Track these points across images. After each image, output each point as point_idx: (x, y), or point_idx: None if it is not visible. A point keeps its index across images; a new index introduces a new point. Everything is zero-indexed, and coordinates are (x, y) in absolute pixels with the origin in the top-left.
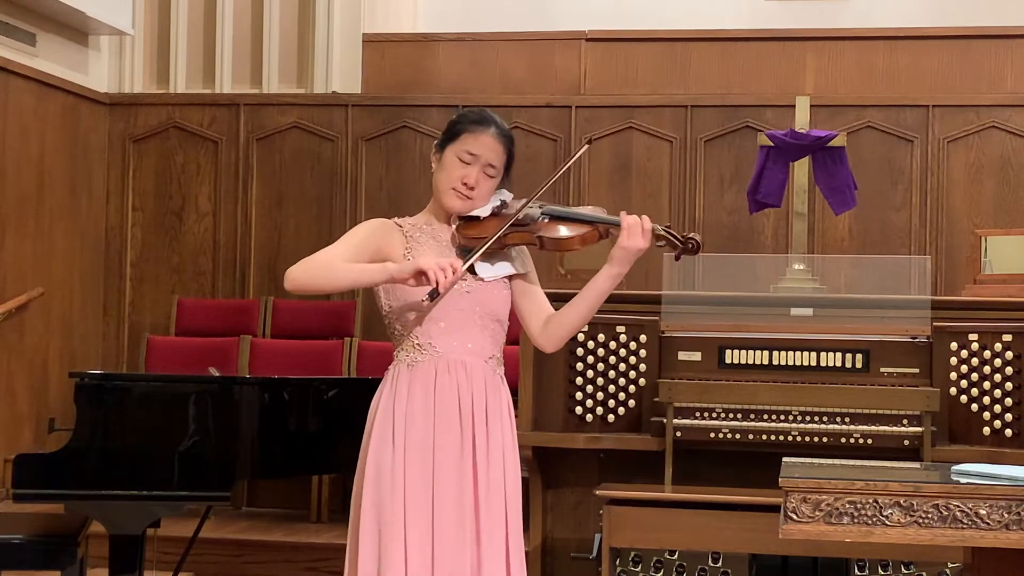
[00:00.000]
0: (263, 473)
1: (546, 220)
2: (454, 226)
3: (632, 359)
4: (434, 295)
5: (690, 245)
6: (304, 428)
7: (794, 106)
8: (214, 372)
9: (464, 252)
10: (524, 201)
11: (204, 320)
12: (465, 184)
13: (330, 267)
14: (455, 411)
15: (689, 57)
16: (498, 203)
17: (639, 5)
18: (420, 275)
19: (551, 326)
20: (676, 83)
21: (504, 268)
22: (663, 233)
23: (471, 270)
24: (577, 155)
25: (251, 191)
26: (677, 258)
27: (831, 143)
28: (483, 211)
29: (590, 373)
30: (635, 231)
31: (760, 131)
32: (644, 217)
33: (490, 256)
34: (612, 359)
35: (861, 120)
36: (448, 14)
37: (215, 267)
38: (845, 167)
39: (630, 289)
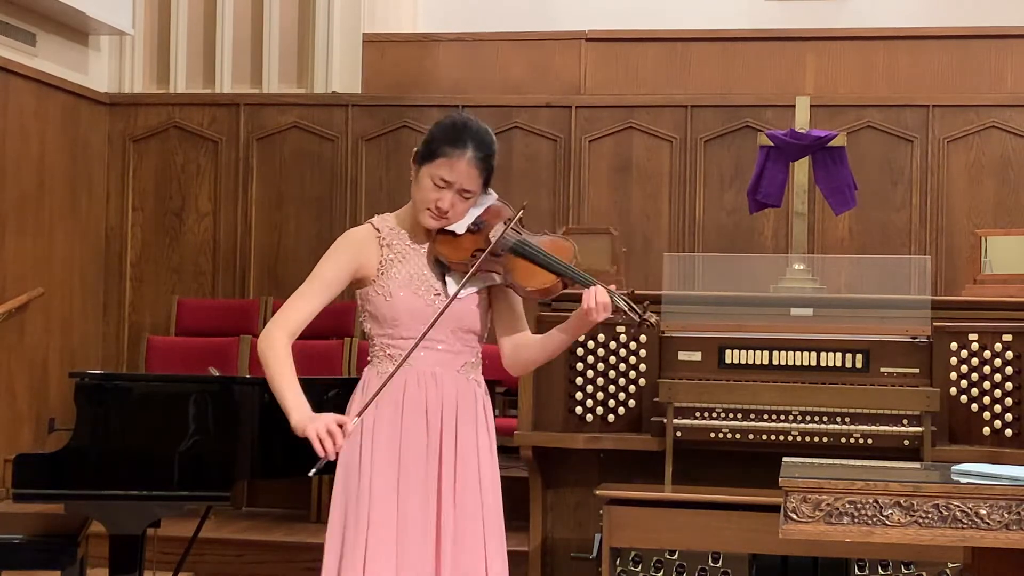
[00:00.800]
0: (263, 473)
1: (515, 256)
2: (431, 239)
3: (632, 359)
4: (322, 465)
5: (645, 324)
6: None
7: (794, 106)
8: (214, 372)
9: (439, 265)
10: (499, 233)
11: (204, 320)
12: (438, 208)
13: (272, 368)
14: (422, 422)
15: (689, 57)
16: (474, 218)
17: (639, 5)
18: (319, 441)
19: (520, 358)
20: (676, 83)
21: (475, 287)
22: (623, 306)
23: (443, 285)
24: (517, 216)
25: (251, 191)
26: (635, 336)
27: (831, 143)
28: (459, 227)
29: (590, 373)
30: (598, 306)
31: (760, 131)
32: (603, 290)
33: (458, 274)
34: (612, 359)
35: (861, 120)
36: (448, 14)
37: (215, 267)
38: (845, 167)
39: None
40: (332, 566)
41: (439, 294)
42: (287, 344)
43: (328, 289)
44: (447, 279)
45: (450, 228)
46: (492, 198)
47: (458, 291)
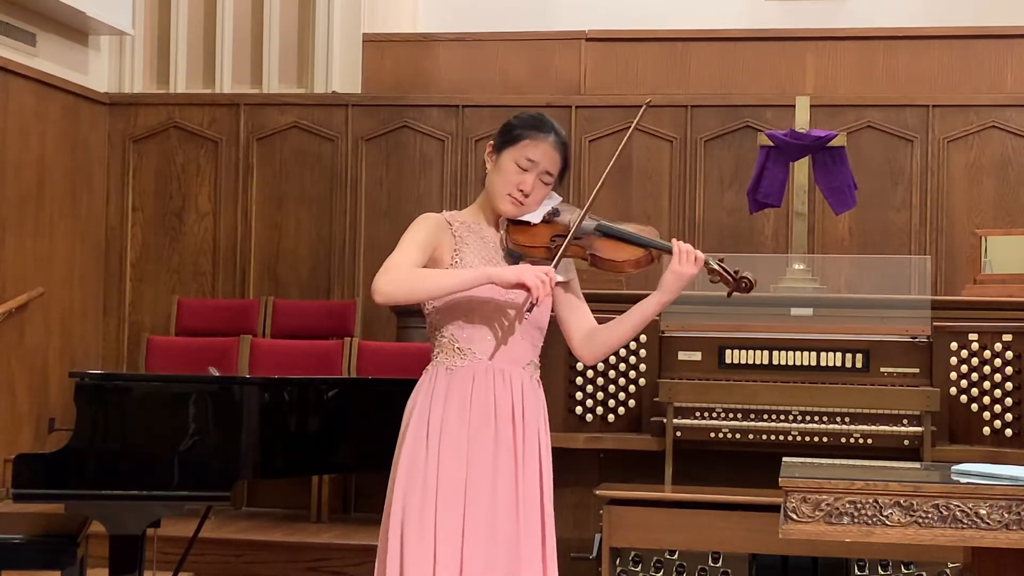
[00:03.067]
0: (263, 473)
1: (599, 236)
2: (503, 229)
3: (632, 359)
4: (531, 308)
5: (743, 284)
6: (304, 428)
7: (794, 106)
8: (214, 372)
9: (512, 256)
10: (579, 213)
11: (204, 320)
12: (521, 191)
13: (418, 279)
14: (491, 418)
15: (689, 57)
16: (549, 209)
17: (639, 5)
18: (520, 286)
19: (595, 343)
20: (676, 83)
21: (560, 275)
22: (716, 267)
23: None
24: (638, 117)
25: (251, 191)
26: (729, 295)
27: (831, 143)
28: (534, 217)
29: (590, 373)
30: (687, 257)
31: (760, 131)
32: (691, 247)
33: (537, 263)
34: (612, 359)
35: (861, 120)
36: (448, 14)
37: (215, 267)
38: (845, 167)
39: (630, 289)
40: (394, 568)
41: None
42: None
43: (422, 251)
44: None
45: (524, 218)
46: (557, 199)
47: (568, 240)
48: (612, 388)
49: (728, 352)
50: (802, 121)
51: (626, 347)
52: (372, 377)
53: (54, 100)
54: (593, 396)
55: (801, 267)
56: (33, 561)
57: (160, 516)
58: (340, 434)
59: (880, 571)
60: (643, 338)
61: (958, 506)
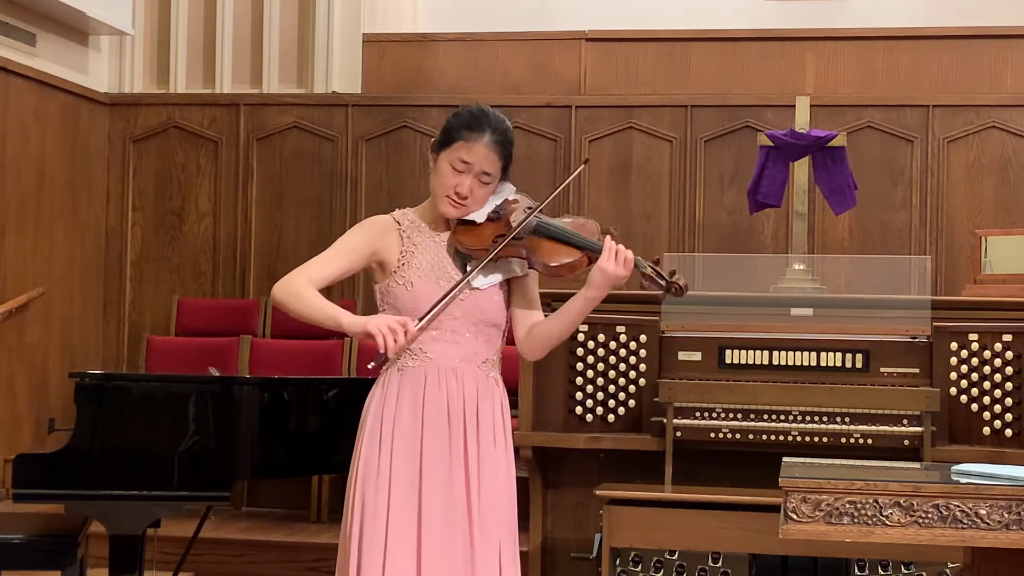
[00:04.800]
0: (263, 473)
1: (538, 237)
2: (452, 229)
3: (632, 359)
4: (382, 359)
5: (674, 288)
6: (304, 428)
7: (794, 106)
8: (214, 372)
9: (459, 257)
10: (522, 218)
11: (204, 320)
12: (457, 193)
13: (298, 297)
14: (444, 417)
15: (689, 57)
16: (493, 207)
17: (639, 5)
18: (367, 336)
19: (531, 339)
20: (676, 83)
21: (498, 276)
22: (648, 271)
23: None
24: (574, 173)
25: (251, 191)
26: (661, 299)
27: (831, 143)
28: (479, 216)
29: (590, 373)
30: (615, 256)
31: (760, 131)
32: (627, 249)
33: (487, 264)
34: (612, 359)
35: (861, 120)
36: (448, 14)
37: (215, 267)
38: (845, 167)
39: (630, 289)
40: (350, 566)
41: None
42: (311, 286)
43: (347, 255)
44: (468, 268)
45: (470, 217)
46: (510, 190)
47: (478, 268)
48: (612, 388)
49: (728, 352)
50: (802, 121)
51: (626, 347)
52: (372, 377)
53: (54, 100)
54: (593, 396)
55: (801, 267)
56: (33, 561)
57: (160, 516)
58: (340, 434)
59: (880, 571)
60: (643, 338)
61: (958, 506)
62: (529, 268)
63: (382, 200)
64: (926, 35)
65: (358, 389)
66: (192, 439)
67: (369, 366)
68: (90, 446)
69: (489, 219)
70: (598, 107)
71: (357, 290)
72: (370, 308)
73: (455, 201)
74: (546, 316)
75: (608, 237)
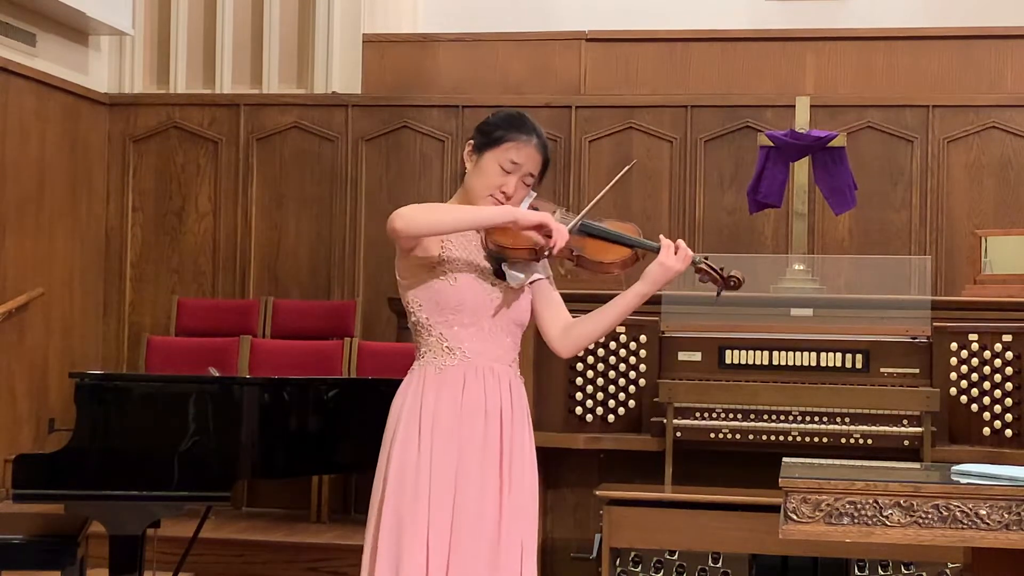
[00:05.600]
0: (263, 473)
1: (584, 236)
2: (482, 230)
3: (632, 359)
4: (548, 253)
5: (732, 282)
6: (304, 428)
7: (794, 106)
8: (214, 372)
9: (492, 258)
10: (575, 219)
11: (204, 320)
12: (503, 193)
13: (447, 208)
14: (481, 417)
15: (689, 57)
16: (526, 207)
17: (639, 5)
18: (541, 228)
19: (572, 335)
20: (676, 83)
21: (531, 277)
22: (704, 267)
23: (501, 277)
24: (624, 170)
25: (251, 191)
26: (718, 294)
27: (831, 143)
28: None
29: (590, 373)
30: (674, 251)
31: (760, 131)
32: (681, 242)
33: (519, 263)
34: (612, 359)
35: (861, 120)
36: (448, 14)
37: (215, 267)
38: (845, 167)
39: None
40: (388, 567)
41: (496, 284)
42: None
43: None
44: (504, 269)
45: None
46: (532, 195)
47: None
48: (612, 388)
49: (728, 352)
50: (802, 121)
51: (626, 347)
52: (372, 377)
53: (54, 100)
54: (593, 396)
55: (801, 267)
56: (33, 561)
57: (160, 516)
58: (340, 434)
59: (880, 571)
60: (643, 338)
61: (958, 506)
62: (576, 267)
63: (382, 200)
64: (926, 35)
65: (358, 389)
66: (192, 439)
67: (563, 271)
68: (90, 446)
69: None
70: (598, 107)
71: (357, 290)
72: (369, 309)
73: (499, 201)
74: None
75: (662, 235)
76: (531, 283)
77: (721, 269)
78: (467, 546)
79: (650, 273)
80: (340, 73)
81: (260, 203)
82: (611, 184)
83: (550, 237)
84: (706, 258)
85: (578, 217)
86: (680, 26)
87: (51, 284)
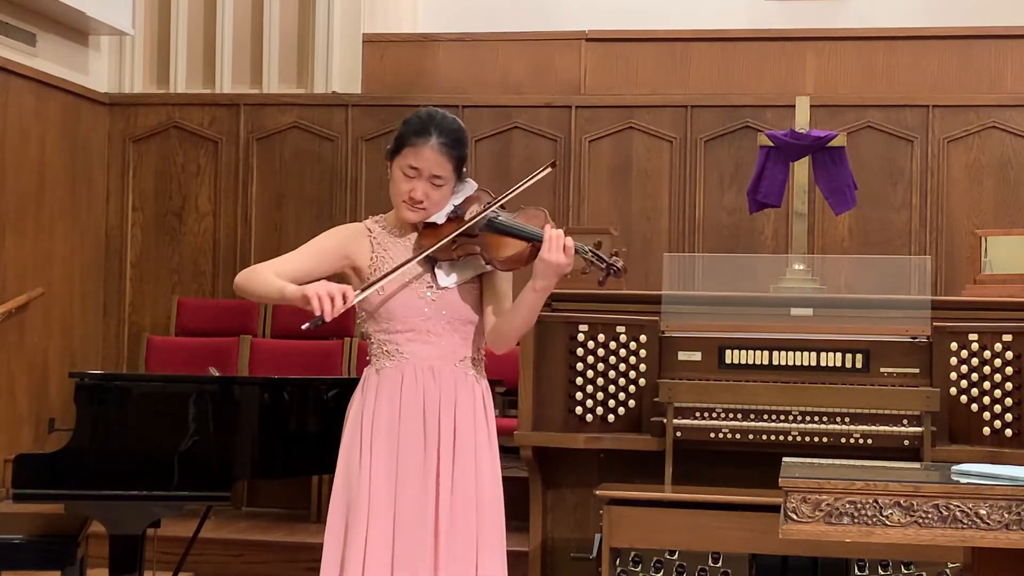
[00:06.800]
0: (263, 473)
1: (490, 232)
2: (418, 233)
3: (632, 359)
4: (317, 322)
5: (612, 270)
6: (304, 428)
7: (794, 106)
8: (214, 372)
9: (427, 259)
10: (472, 217)
11: (204, 320)
12: (412, 199)
13: (251, 278)
14: (419, 417)
15: (689, 57)
16: (452, 207)
17: (639, 5)
18: (306, 301)
19: (495, 334)
20: (676, 83)
21: (467, 274)
22: (589, 256)
23: (433, 277)
24: (539, 174)
25: (251, 191)
26: (601, 282)
27: (831, 143)
28: (439, 217)
29: (590, 373)
30: (554, 244)
31: (760, 131)
32: (566, 236)
33: (451, 263)
34: (612, 359)
35: (861, 120)
36: (448, 14)
37: (215, 267)
38: (845, 167)
39: (630, 289)
40: (334, 562)
41: (431, 286)
42: (271, 273)
43: (316, 256)
44: (436, 271)
45: (432, 220)
46: (472, 187)
47: (422, 253)
48: (612, 388)
49: (728, 352)
50: (802, 121)
51: (626, 347)
52: None
53: (54, 100)
54: (593, 396)
55: (801, 267)
56: (33, 561)
57: (160, 516)
58: (340, 434)
59: (880, 571)
60: (643, 338)
61: (958, 506)
62: (486, 264)
63: (382, 200)
64: (926, 35)
65: None
66: (192, 439)
67: (303, 327)
68: (90, 446)
69: (449, 219)
70: (598, 107)
71: None
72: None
73: (411, 206)
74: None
75: (548, 226)
76: (477, 280)
77: (611, 255)
78: (409, 541)
79: (536, 268)
80: (340, 73)
81: (260, 203)
82: (525, 183)
83: (322, 306)
84: (597, 245)
85: (481, 214)
86: (680, 26)
87: (51, 284)
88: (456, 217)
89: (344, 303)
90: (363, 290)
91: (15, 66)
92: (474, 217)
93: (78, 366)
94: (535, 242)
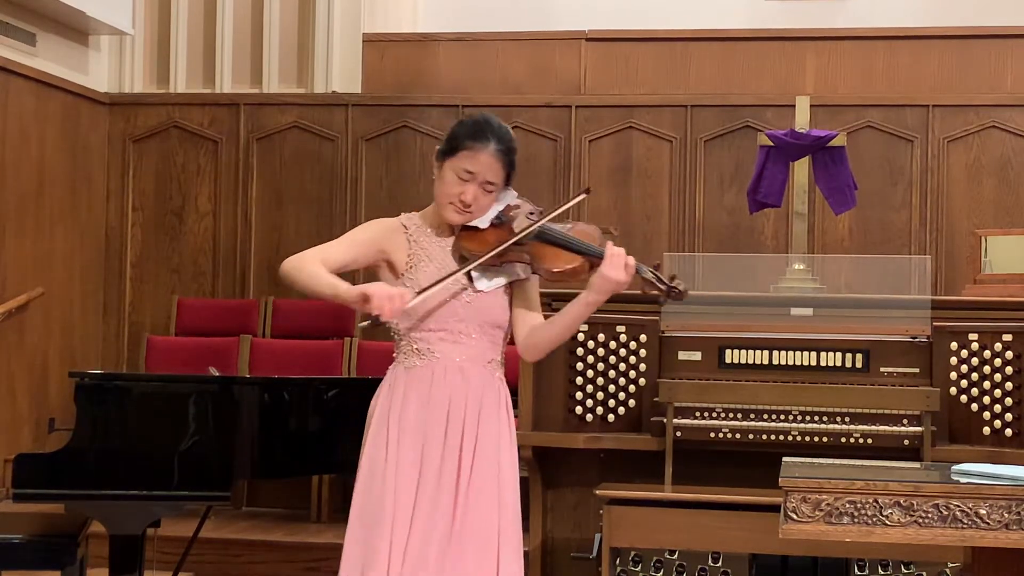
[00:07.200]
0: (263, 473)
1: (540, 243)
2: (455, 235)
3: (632, 359)
4: (376, 322)
5: (673, 293)
6: (304, 428)
7: (794, 106)
8: (214, 372)
9: (463, 261)
10: (526, 225)
11: (204, 320)
12: (462, 201)
13: (301, 268)
14: (445, 412)
15: (689, 57)
16: (496, 213)
17: (639, 5)
18: (365, 300)
19: (531, 340)
20: (676, 83)
21: (501, 280)
22: (649, 276)
23: (470, 279)
24: (575, 200)
25: (251, 191)
26: (661, 303)
27: (831, 143)
28: (482, 222)
29: (590, 373)
30: (617, 262)
31: (760, 131)
32: (627, 255)
33: (488, 269)
34: (612, 359)
35: (861, 120)
36: (448, 14)
37: (215, 267)
38: (845, 167)
39: (630, 289)
40: (355, 559)
41: (465, 288)
42: (318, 262)
43: (358, 247)
44: (472, 274)
45: (473, 223)
46: (512, 195)
47: (478, 261)
48: (612, 388)
49: (728, 352)
50: (802, 121)
51: (626, 347)
52: (372, 377)
53: (54, 100)
54: (593, 396)
55: (801, 267)
56: (33, 561)
57: (160, 516)
58: (340, 434)
59: (880, 571)
60: (643, 338)
61: (958, 506)
62: (532, 273)
63: (382, 200)
64: (926, 35)
65: (358, 389)
66: (192, 439)
67: (361, 325)
68: (90, 446)
69: (492, 225)
70: (598, 107)
71: None
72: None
73: (460, 209)
74: (546, 316)
75: (610, 243)
76: (508, 285)
77: (671, 279)
78: (419, 535)
79: (593, 283)
80: (340, 73)
81: (260, 203)
82: (572, 203)
83: (380, 307)
84: (656, 267)
85: (535, 225)
86: (680, 26)
87: (51, 284)
88: (500, 223)
89: (401, 304)
90: (420, 293)
91: (15, 66)
92: (529, 227)
93: (78, 366)
94: (591, 257)
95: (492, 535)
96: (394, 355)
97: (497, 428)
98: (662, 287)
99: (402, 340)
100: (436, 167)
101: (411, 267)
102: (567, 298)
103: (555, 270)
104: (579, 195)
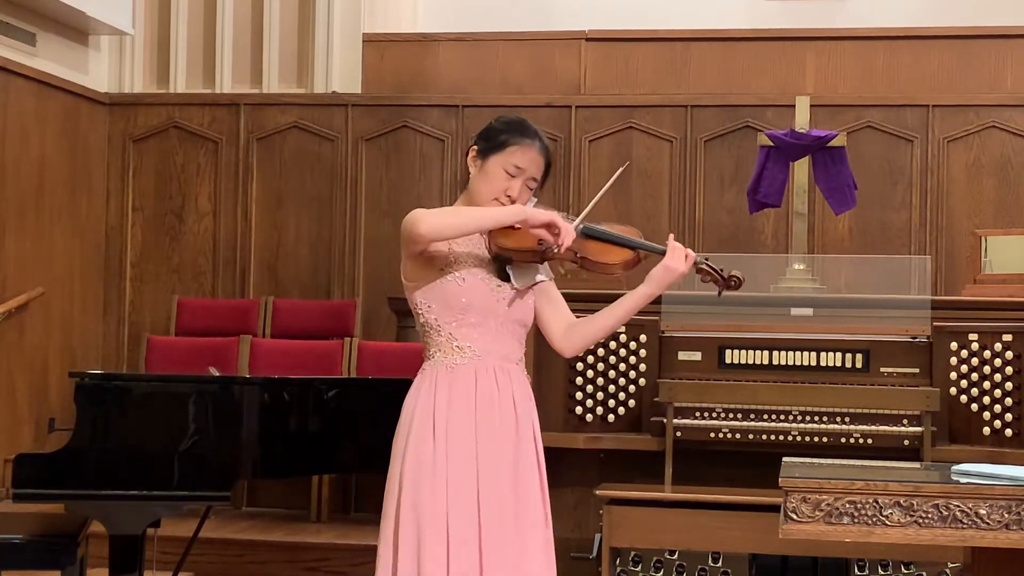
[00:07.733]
0: (263, 473)
1: (586, 238)
2: (486, 234)
3: (632, 359)
4: (551, 251)
5: (732, 282)
6: (304, 428)
7: (794, 106)
8: (214, 372)
9: (498, 260)
10: (579, 219)
11: (204, 320)
12: (508, 197)
13: (458, 213)
14: (496, 412)
15: (689, 57)
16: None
17: (639, 5)
18: (551, 226)
19: (575, 335)
20: (676, 83)
21: (530, 280)
22: (706, 267)
23: (506, 278)
24: (619, 172)
25: (251, 191)
26: (719, 294)
27: (831, 143)
28: None
29: (590, 373)
30: (678, 254)
31: (760, 131)
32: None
33: (523, 266)
34: (612, 359)
35: (861, 120)
36: (448, 14)
37: (215, 267)
38: (845, 167)
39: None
40: (410, 561)
41: (501, 286)
42: None
43: None
44: (508, 271)
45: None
46: (534, 201)
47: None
48: (612, 388)
49: (728, 352)
50: (802, 121)
51: (626, 347)
52: (372, 377)
53: (54, 100)
54: (593, 396)
55: (801, 267)
56: (33, 561)
57: (160, 516)
58: (340, 434)
59: (880, 571)
60: (643, 338)
61: (958, 506)
62: (580, 267)
63: (382, 200)
64: (926, 35)
65: (358, 389)
66: (192, 439)
67: (550, 252)
68: (90, 446)
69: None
70: (598, 107)
71: (357, 290)
72: (369, 309)
73: (503, 204)
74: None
75: (671, 236)
76: (535, 285)
77: (721, 270)
78: (499, 543)
79: (655, 275)
80: (340, 73)
81: (260, 203)
82: (608, 185)
83: (558, 236)
84: (707, 259)
85: (579, 218)
86: (680, 26)
87: (51, 284)
88: None
89: (572, 238)
90: (578, 222)
91: (15, 66)
92: (579, 221)
93: (78, 366)
94: (645, 251)
95: (544, 521)
96: (427, 353)
97: (532, 426)
98: (720, 277)
99: (440, 336)
100: (476, 164)
101: (452, 260)
102: (565, 298)
103: (608, 263)
104: (620, 170)
